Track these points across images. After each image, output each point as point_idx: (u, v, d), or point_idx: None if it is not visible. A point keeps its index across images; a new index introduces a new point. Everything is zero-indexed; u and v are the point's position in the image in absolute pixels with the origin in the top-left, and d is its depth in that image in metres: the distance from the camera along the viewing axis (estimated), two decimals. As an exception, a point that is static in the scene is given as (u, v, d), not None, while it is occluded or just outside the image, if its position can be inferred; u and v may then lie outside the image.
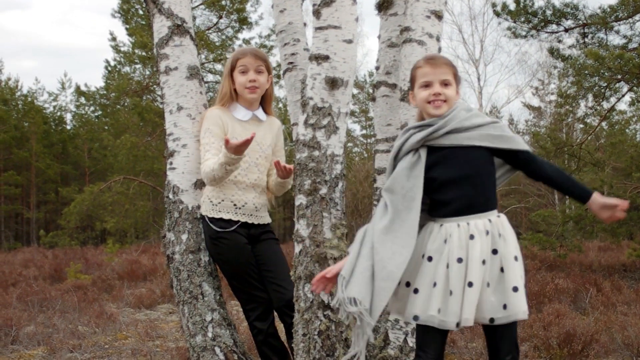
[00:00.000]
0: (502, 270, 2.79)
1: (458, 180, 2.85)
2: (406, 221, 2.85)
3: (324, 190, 3.45)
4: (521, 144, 2.90)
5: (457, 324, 2.75)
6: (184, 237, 3.89)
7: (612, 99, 12.58)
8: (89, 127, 40.56)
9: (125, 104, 26.85)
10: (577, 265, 12.86)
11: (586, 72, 11.10)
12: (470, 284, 2.73)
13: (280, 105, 29.45)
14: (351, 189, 22.91)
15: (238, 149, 3.46)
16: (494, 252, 2.80)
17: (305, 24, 4.55)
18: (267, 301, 3.84)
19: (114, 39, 26.86)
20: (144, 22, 23.89)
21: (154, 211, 26.34)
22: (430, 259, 2.82)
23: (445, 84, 2.92)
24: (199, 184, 3.96)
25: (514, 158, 2.94)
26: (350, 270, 2.82)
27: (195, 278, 3.86)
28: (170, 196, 3.98)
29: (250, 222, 3.85)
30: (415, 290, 2.82)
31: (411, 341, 3.74)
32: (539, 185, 34.82)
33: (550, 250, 13.02)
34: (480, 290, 2.75)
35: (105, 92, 30.83)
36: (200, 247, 3.90)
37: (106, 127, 36.58)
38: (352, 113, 39.39)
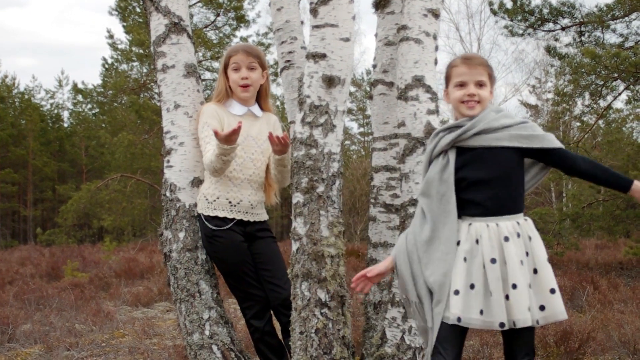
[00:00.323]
0: (535, 272, 2.80)
1: (487, 181, 2.85)
2: (447, 224, 2.87)
3: (321, 189, 3.45)
4: (553, 141, 2.89)
5: (502, 324, 2.74)
6: (181, 235, 3.89)
7: (609, 97, 12.60)
8: (86, 125, 40.51)
9: (123, 101, 26.81)
10: (574, 263, 12.88)
11: (583, 70, 11.12)
12: (514, 286, 2.72)
13: (278, 103, 29.46)
14: (348, 187, 22.90)
15: (228, 139, 3.45)
16: (527, 254, 2.81)
17: (302, 22, 4.56)
18: (264, 299, 3.84)
19: (111, 36, 26.80)
20: (141, 20, 23.86)
21: (151, 209, 26.33)
22: (465, 259, 2.82)
23: (480, 84, 2.92)
24: (196, 182, 3.96)
25: (547, 156, 2.93)
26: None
27: (193, 276, 3.86)
28: (168, 194, 3.98)
29: (246, 219, 3.85)
30: (456, 292, 2.79)
31: (408, 339, 3.74)
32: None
33: (547, 248, 13.00)
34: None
35: (102, 89, 30.75)
36: (198, 245, 3.90)
37: (103, 125, 36.55)
38: (350, 111, 39.39)
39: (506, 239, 2.78)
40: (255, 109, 3.98)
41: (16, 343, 6.25)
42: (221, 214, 3.78)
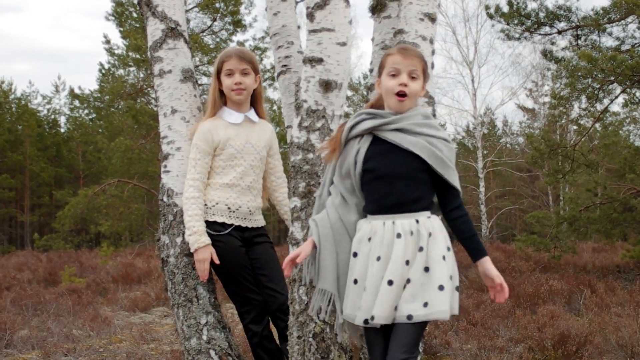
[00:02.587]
0: (426, 269, 2.79)
1: (391, 177, 2.88)
2: (358, 200, 2.99)
3: (318, 193, 3.46)
4: (455, 179, 2.92)
5: (366, 321, 2.77)
6: (179, 240, 3.88)
7: (606, 101, 12.63)
8: (83, 130, 40.48)
9: (120, 106, 26.80)
10: (571, 266, 12.90)
11: (579, 73, 11.15)
12: (390, 282, 2.75)
13: (275, 107, 29.44)
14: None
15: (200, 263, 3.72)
16: (420, 249, 2.80)
17: (299, 27, 4.56)
18: (262, 304, 3.84)
19: (107, 41, 26.81)
20: (138, 25, 23.86)
21: (148, 214, 26.31)
22: (355, 254, 2.88)
23: (412, 76, 2.94)
24: (194, 187, 3.96)
25: (442, 186, 2.94)
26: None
27: (190, 281, 3.86)
28: (165, 199, 3.98)
29: (244, 225, 3.85)
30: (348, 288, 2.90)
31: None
32: (533, 187, 34.90)
33: (545, 252, 13.07)
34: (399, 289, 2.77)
35: (99, 94, 30.71)
36: (195, 250, 3.89)
37: (100, 130, 36.50)
38: (347, 115, 39.19)
39: (398, 235, 2.81)
40: (252, 114, 3.98)
41: (14, 349, 6.24)
42: (220, 219, 3.78)
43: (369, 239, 2.86)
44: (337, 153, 3.02)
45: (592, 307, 7.67)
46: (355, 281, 2.84)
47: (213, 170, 3.84)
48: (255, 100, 4.03)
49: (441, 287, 2.75)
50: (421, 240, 2.81)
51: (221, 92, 3.91)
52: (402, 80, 2.91)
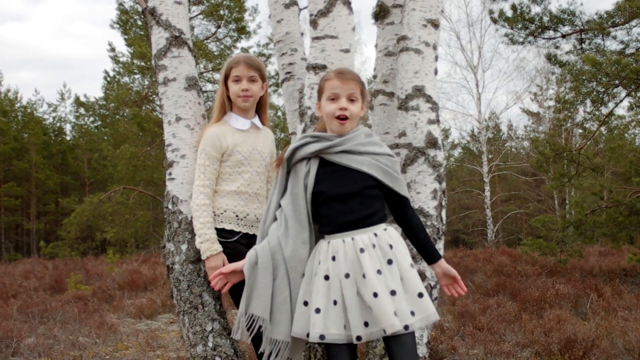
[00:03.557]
0: (401, 279, 2.86)
1: (343, 196, 2.94)
2: (304, 239, 3.00)
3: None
4: (404, 189, 3.02)
5: (359, 337, 2.79)
6: (184, 247, 3.89)
7: (610, 104, 12.61)
8: (89, 138, 40.62)
9: (125, 114, 26.89)
10: (577, 270, 12.87)
11: (584, 77, 11.14)
12: (375, 295, 2.76)
13: (280, 113, 29.47)
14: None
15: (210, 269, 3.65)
16: (389, 262, 2.86)
17: (302, 34, 4.57)
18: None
19: (112, 49, 26.90)
20: (142, 33, 23.94)
21: (154, 221, 26.35)
22: (326, 277, 2.89)
23: (351, 99, 3.00)
24: (198, 194, 3.96)
25: (392, 197, 3.03)
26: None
27: (195, 288, 3.87)
28: (170, 206, 3.98)
29: (251, 232, 3.85)
30: (317, 310, 2.85)
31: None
32: (538, 191, 34.83)
33: (551, 256, 13.04)
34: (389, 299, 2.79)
35: (104, 102, 30.86)
36: (200, 257, 3.90)
37: (106, 138, 36.64)
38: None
39: (361, 250, 2.85)
40: (257, 120, 3.99)
41: (20, 357, 6.26)
42: (228, 227, 3.78)
43: (333, 258, 2.89)
44: (281, 173, 3.12)
45: (599, 311, 7.66)
46: (335, 302, 2.84)
47: (220, 177, 3.84)
48: (260, 108, 4.04)
49: (420, 295, 2.85)
50: (387, 253, 2.87)
51: (228, 98, 3.93)
52: (341, 105, 2.98)
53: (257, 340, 3.85)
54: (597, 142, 23.55)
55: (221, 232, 3.76)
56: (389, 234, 2.94)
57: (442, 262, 3.06)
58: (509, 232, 37.26)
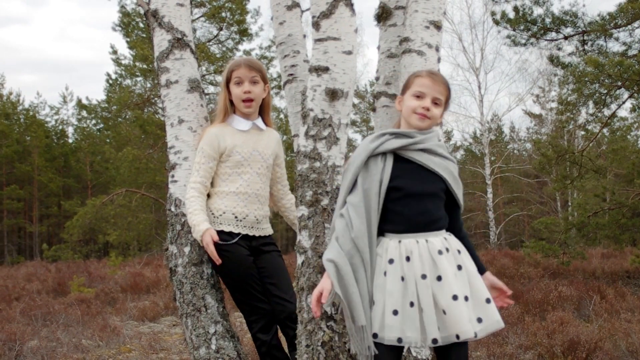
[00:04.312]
0: (469, 285, 2.85)
1: (421, 195, 2.90)
2: (371, 219, 2.89)
3: (325, 202, 3.45)
4: (462, 199, 3.02)
5: (435, 340, 2.76)
6: (187, 249, 3.89)
7: (613, 106, 12.60)
8: (91, 140, 40.64)
9: (127, 116, 26.91)
10: (580, 272, 12.85)
11: (586, 79, 11.13)
12: (455, 297, 2.75)
13: (282, 116, 29.47)
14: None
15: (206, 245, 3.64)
16: (459, 267, 2.85)
17: (305, 36, 4.57)
18: (270, 313, 3.83)
19: (114, 52, 26.95)
20: (144, 35, 23.97)
21: (156, 223, 26.35)
22: (402, 279, 2.83)
23: (436, 102, 2.98)
24: (201, 197, 3.97)
25: (449, 203, 3.00)
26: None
27: (198, 290, 3.87)
28: (172, 209, 3.99)
29: (251, 234, 3.85)
30: (395, 312, 2.80)
31: (414, 351, 3.73)
32: (541, 193, 34.81)
33: (554, 258, 13.02)
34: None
35: (106, 105, 30.89)
36: (203, 259, 3.90)
37: (108, 140, 36.65)
38: (354, 123, 39.41)
39: (440, 252, 2.82)
40: (260, 122, 4.00)
41: (23, 359, 6.26)
42: (227, 229, 3.78)
43: (407, 259, 2.83)
44: (352, 171, 2.99)
45: (602, 313, 7.64)
46: (412, 304, 2.79)
47: (219, 177, 3.85)
48: (263, 109, 4.05)
49: (488, 300, 2.84)
50: (456, 258, 2.86)
51: (231, 102, 3.94)
52: (425, 104, 2.95)
53: (259, 342, 3.86)
54: (600, 144, 23.55)
55: (220, 234, 3.76)
56: (454, 239, 2.93)
57: (489, 274, 3.03)
58: (512, 234, 37.25)
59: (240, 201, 3.82)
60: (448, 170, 2.94)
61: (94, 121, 40.73)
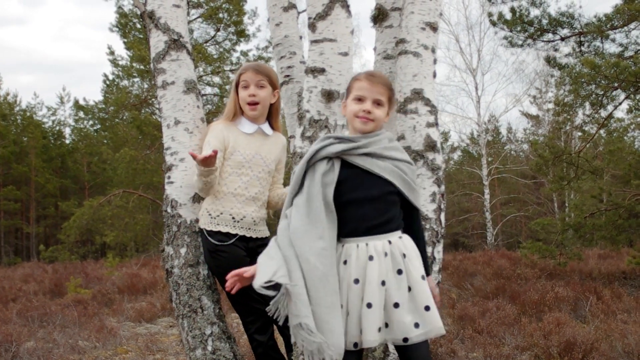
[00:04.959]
0: (409, 289, 2.84)
1: (362, 200, 2.90)
2: (328, 223, 2.87)
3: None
4: (418, 200, 3.02)
5: (355, 344, 2.79)
6: (183, 250, 3.89)
7: (610, 107, 12.61)
8: (88, 141, 40.59)
9: (124, 117, 26.89)
10: (576, 273, 12.86)
11: (583, 80, 11.14)
12: (369, 305, 2.76)
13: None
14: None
15: (204, 162, 3.49)
16: (399, 272, 2.84)
17: (301, 37, 4.58)
18: (266, 314, 3.83)
19: (112, 53, 26.94)
20: (141, 36, 23.96)
21: (153, 224, 26.32)
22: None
23: (377, 103, 2.98)
24: (197, 198, 3.97)
25: (405, 206, 3.01)
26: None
27: (195, 292, 3.87)
28: (169, 210, 3.99)
29: (248, 235, 3.85)
30: None
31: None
32: (538, 194, 34.83)
33: (550, 259, 13.03)
34: (390, 312, 2.79)
35: (103, 105, 30.89)
36: (199, 260, 3.90)
37: (105, 141, 36.63)
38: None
39: (370, 258, 2.82)
40: (266, 127, 3.99)
41: (19, 361, 6.25)
42: (224, 229, 3.78)
43: (345, 262, 2.87)
44: (298, 174, 3.02)
45: (598, 314, 7.65)
46: (341, 306, 2.82)
47: (219, 176, 3.85)
48: (271, 114, 4.05)
49: (427, 308, 2.83)
50: (398, 263, 2.85)
51: (240, 106, 3.95)
52: (366, 107, 2.96)
53: (255, 343, 3.86)
54: (597, 145, 23.59)
55: (217, 235, 3.77)
56: (404, 242, 2.92)
57: (430, 280, 3.02)
58: (509, 235, 37.25)
59: (237, 202, 3.82)
60: (396, 173, 2.93)
61: (91, 122, 40.70)
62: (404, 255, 2.88)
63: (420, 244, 3.02)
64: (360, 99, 2.96)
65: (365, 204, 2.89)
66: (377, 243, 2.85)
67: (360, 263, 2.82)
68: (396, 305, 2.79)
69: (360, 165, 2.92)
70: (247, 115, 3.93)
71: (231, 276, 2.97)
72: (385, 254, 2.84)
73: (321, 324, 2.77)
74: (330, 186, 2.90)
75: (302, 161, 2.99)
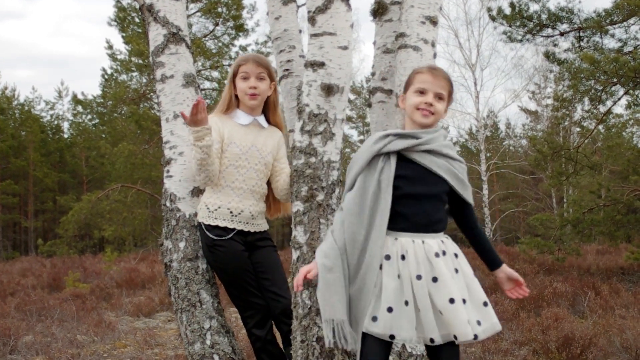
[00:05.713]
0: (467, 288, 2.85)
1: (421, 196, 2.89)
2: (379, 231, 2.86)
3: (320, 197, 3.45)
4: (471, 196, 3.02)
5: (432, 340, 2.77)
6: (182, 245, 3.89)
7: (608, 102, 12.62)
8: (87, 136, 40.54)
9: (123, 111, 26.85)
10: (575, 268, 12.88)
11: (582, 75, 11.15)
12: (452, 301, 2.75)
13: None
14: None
15: (193, 119, 3.48)
16: (456, 271, 2.85)
17: (300, 31, 4.56)
18: (265, 308, 3.83)
19: (110, 47, 26.89)
20: (140, 30, 23.92)
21: (152, 219, 26.32)
22: (398, 276, 2.83)
23: (439, 97, 2.96)
24: (196, 192, 3.96)
25: (457, 202, 3.02)
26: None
27: (193, 286, 3.86)
28: (168, 204, 3.98)
29: (246, 229, 3.84)
30: (389, 309, 2.79)
31: (409, 347, 3.74)
32: (536, 190, 34.86)
33: (549, 254, 13.05)
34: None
35: (102, 100, 30.79)
36: (198, 254, 3.90)
37: (103, 135, 36.58)
38: (349, 119, 39.42)
39: (437, 254, 2.82)
40: (262, 119, 3.98)
41: (18, 354, 6.25)
42: (222, 224, 3.78)
43: (402, 257, 2.84)
44: (354, 172, 2.99)
45: (596, 310, 7.66)
46: (407, 303, 2.78)
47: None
48: (267, 107, 4.03)
49: (485, 304, 2.85)
50: (453, 262, 2.87)
51: (236, 97, 3.93)
52: (428, 100, 2.94)
53: (254, 337, 3.86)
54: (595, 141, 23.56)
55: (215, 230, 3.76)
56: (451, 242, 2.94)
57: (505, 267, 3.06)
58: (507, 230, 37.31)
59: (235, 196, 3.81)
60: (451, 172, 2.93)
61: (89, 116, 40.62)
62: (456, 255, 2.89)
63: (482, 236, 3.06)
64: (422, 92, 2.95)
65: (423, 201, 2.88)
66: (432, 242, 2.86)
67: (421, 259, 2.81)
68: (464, 301, 2.79)
69: (420, 162, 2.91)
70: (243, 106, 3.92)
71: (300, 282, 2.94)
72: (444, 253, 2.85)
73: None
74: (386, 182, 2.88)
75: (361, 159, 2.97)
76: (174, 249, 3.91)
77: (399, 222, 2.88)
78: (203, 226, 3.80)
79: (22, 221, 39.01)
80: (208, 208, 3.80)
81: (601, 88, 11.94)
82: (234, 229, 3.78)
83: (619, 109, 33.52)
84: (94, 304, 9.64)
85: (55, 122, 43.94)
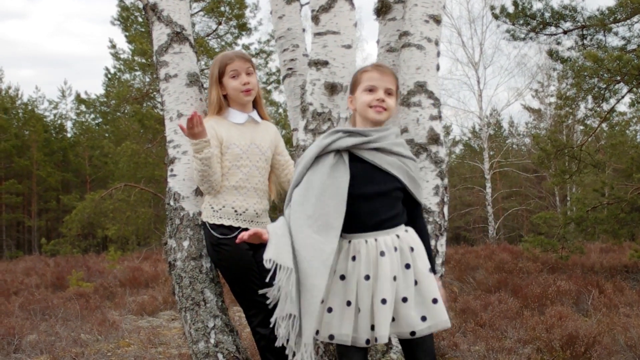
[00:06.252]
0: (415, 283, 2.84)
1: (370, 196, 2.89)
2: (334, 230, 2.83)
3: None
4: (422, 196, 3.03)
5: (368, 341, 2.78)
6: (186, 243, 3.89)
7: (612, 101, 12.60)
8: (90, 135, 40.61)
9: (126, 111, 26.89)
10: (579, 267, 12.85)
11: (585, 73, 11.13)
12: (383, 301, 2.75)
13: (281, 110, 29.47)
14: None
15: (190, 133, 3.49)
16: (407, 266, 2.84)
17: (304, 30, 4.57)
18: (269, 307, 3.83)
19: (113, 46, 26.93)
20: (143, 30, 23.94)
21: (155, 218, 26.35)
22: (342, 277, 2.85)
23: (388, 93, 2.96)
24: (200, 191, 3.97)
25: (408, 202, 3.00)
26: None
27: (197, 285, 3.87)
28: (171, 203, 3.98)
29: (251, 228, 3.84)
30: (329, 309, 2.83)
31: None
32: (540, 188, 34.83)
33: (552, 252, 13.02)
34: (398, 306, 2.79)
35: (105, 99, 30.84)
36: (202, 253, 3.90)
37: (107, 135, 36.64)
38: (352, 117, 39.33)
39: (382, 253, 2.81)
40: (255, 115, 3.98)
41: (22, 353, 6.26)
42: (226, 223, 3.78)
43: (353, 258, 2.85)
44: (302, 168, 2.98)
45: (600, 308, 7.65)
46: (349, 303, 2.81)
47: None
48: (256, 102, 4.03)
49: (435, 301, 2.83)
50: (406, 257, 2.86)
51: (224, 97, 3.91)
52: (379, 96, 2.94)
53: (258, 336, 3.86)
54: (599, 139, 23.55)
55: (219, 228, 3.76)
56: (411, 235, 2.92)
57: (438, 279, 3.02)
58: (510, 228, 37.26)
59: (239, 195, 3.81)
60: (403, 169, 2.93)
61: (92, 116, 40.68)
62: (412, 249, 2.88)
63: (425, 239, 3.01)
64: (372, 89, 2.94)
65: (374, 199, 2.88)
66: (386, 238, 2.85)
67: (371, 259, 2.81)
68: (404, 299, 2.78)
69: (370, 160, 2.91)
70: (234, 104, 3.91)
71: (253, 233, 2.92)
72: (395, 249, 2.84)
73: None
74: (344, 180, 2.87)
75: (308, 154, 2.95)
76: (177, 247, 3.92)
77: (352, 222, 2.89)
78: (207, 225, 3.80)
79: (26, 220, 39.08)
80: (212, 207, 3.81)
81: (605, 86, 11.91)
82: (238, 228, 3.78)
83: (622, 107, 33.53)
84: (97, 303, 9.65)
85: (59, 122, 43.99)
